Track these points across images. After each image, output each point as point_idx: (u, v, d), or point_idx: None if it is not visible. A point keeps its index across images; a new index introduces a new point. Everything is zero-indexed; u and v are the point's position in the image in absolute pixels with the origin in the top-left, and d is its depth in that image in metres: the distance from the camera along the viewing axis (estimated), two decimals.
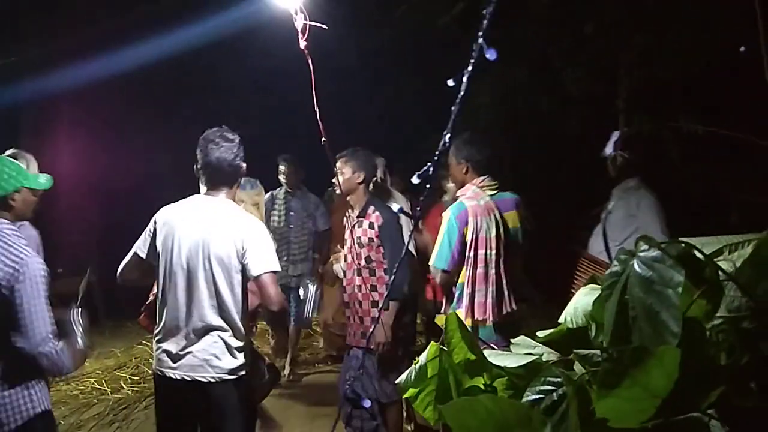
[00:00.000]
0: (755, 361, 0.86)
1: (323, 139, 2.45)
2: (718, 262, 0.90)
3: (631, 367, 0.73)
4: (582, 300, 1.14)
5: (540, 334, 1.23)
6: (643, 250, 0.81)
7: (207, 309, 2.46)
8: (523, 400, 0.93)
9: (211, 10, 6.35)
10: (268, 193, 5.12)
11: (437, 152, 1.44)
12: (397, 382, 1.25)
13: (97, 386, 5.16)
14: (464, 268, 3.07)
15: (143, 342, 6.08)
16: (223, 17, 6.22)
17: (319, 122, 2.34)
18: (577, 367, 0.98)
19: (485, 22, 1.32)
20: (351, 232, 3.57)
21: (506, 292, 3.05)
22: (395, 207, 3.36)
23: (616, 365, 0.74)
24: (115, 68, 6.58)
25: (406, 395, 1.23)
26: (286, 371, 5.34)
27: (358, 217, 3.52)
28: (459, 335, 1.18)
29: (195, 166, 2.58)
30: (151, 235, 2.57)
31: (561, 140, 6.57)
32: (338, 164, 3.51)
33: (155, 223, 2.57)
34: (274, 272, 2.49)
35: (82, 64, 6.40)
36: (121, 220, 6.36)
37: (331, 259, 3.94)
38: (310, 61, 2.24)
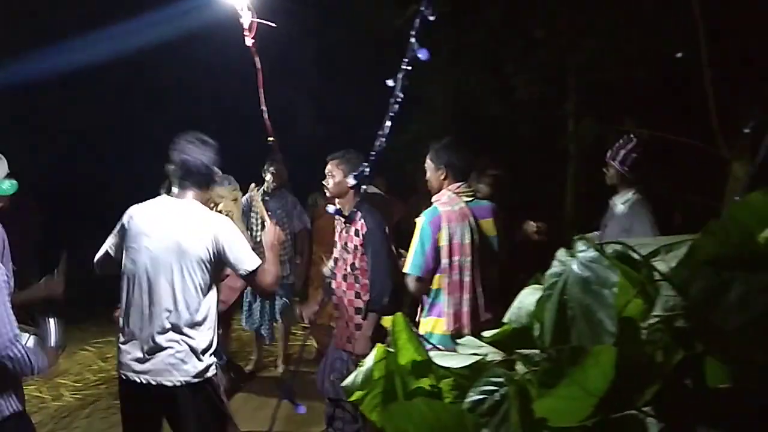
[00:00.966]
0: (689, 359, 0.88)
1: (270, 138, 2.42)
2: (654, 263, 0.92)
3: (569, 366, 0.74)
4: (526, 300, 1.15)
5: (486, 334, 1.24)
6: (582, 251, 0.82)
7: (173, 312, 2.44)
8: (466, 400, 0.93)
9: (154, 8, 6.20)
10: (245, 195, 5.05)
11: (372, 153, 1.44)
12: (343, 384, 1.24)
13: (37, 394, 4.94)
14: (440, 274, 3.04)
15: (87, 348, 5.88)
16: (167, 15, 6.09)
17: (267, 121, 2.31)
18: (520, 367, 0.99)
19: (417, 20, 1.32)
20: (340, 235, 3.56)
21: (481, 300, 3.02)
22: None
23: (555, 364, 0.75)
24: (52, 66, 6.36)
25: (352, 398, 1.22)
26: (280, 369, 5.37)
27: (345, 222, 3.50)
28: (405, 336, 1.17)
29: (167, 166, 2.56)
30: (120, 233, 2.56)
31: (512, 143, 6.68)
32: (329, 166, 3.48)
33: (124, 221, 2.55)
34: (261, 264, 2.54)
35: (20, 60, 6.16)
36: (57, 220, 6.14)
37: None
38: (257, 60, 2.21)
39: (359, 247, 3.41)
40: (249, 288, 4.71)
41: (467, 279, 3.00)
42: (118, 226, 2.58)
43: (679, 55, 4.63)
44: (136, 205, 2.60)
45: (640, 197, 3.52)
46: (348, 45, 6.93)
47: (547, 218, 4.01)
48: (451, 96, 6.66)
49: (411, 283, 3.10)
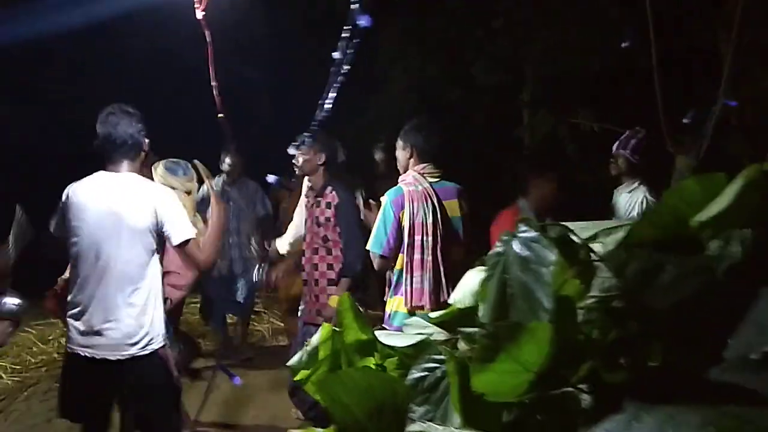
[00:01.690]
0: (623, 339, 0.91)
1: (220, 114, 2.38)
2: (592, 245, 0.95)
3: (506, 342, 0.75)
4: (470, 280, 1.17)
5: (432, 315, 1.25)
6: (523, 231, 0.84)
7: (121, 286, 2.46)
8: (409, 377, 0.94)
9: None
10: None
11: (304, 134, 1.43)
12: (288, 364, 1.23)
13: None
14: (402, 254, 3.07)
15: (27, 329, 5.67)
16: None
17: (216, 97, 2.27)
18: (462, 345, 1.00)
19: None
20: (310, 211, 3.61)
21: (443, 280, 3.04)
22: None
23: (492, 340, 0.76)
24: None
25: (297, 377, 1.22)
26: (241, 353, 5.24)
27: (316, 197, 3.57)
28: (351, 315, 1.18)
29: (95, 142, 2.54)
30: (61, 212, 2.55)
31: (468, 131, 6.75)
32: (292, 148, 3.53)
33: (64, 200, 2.54)
34: (194, 237, 2.56)
35: None
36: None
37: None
38: (207, 33, 2.15)
39: (332, 219, 3.50)
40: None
41: (428, 258, 3.02)
42: (59, 206, 2.56)
43: (624, 44, 4.75)
44: (74, 183, 2.57)
45: (645, 186, 3.76)
46: (306, 20, 6.81)
47: (501, 206, 4.07)
48: (410, 81, 6.67)
49: (374, 261, 3.16)
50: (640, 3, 4.72)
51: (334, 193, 3.51)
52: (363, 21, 1.48)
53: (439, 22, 6.41)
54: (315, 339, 1.20)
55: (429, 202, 3.05)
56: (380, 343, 1.13)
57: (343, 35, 1.47)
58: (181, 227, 2.53)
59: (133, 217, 2.46)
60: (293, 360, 1.21)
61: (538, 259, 0.80)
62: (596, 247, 0.95)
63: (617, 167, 3.91)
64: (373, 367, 1.15)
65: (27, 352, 5.27)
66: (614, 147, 3.93)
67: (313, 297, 3.59)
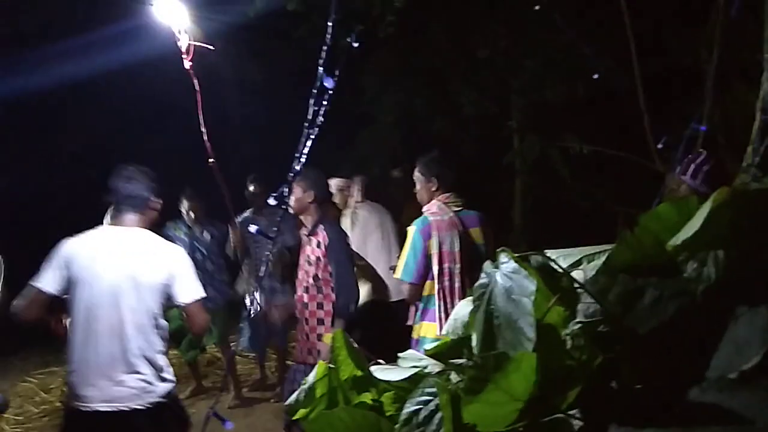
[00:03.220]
0: (608, 362, 0.93)
1: (211, 160, 2.42)
2: (575, 272, 0.98)
3: (493, 372, 0.77)
4: (461, 311, 1.19)
5: (427, 347, 1.27)
6: (504, 263, 0.87)
7: (139, 339, 2.50)
8: (403, 411, 0.96)
9: (95, 36, 6.12)
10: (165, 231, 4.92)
11: (291, 174, 1.47)
12: (286, 403, 1.25)
13: None
14: (432, 281, 3.17)
15: (28, 379, 5.64)
16: (104, 39, 6.01)
17: (207, 143, 2.32)
18: (454, 377, 1.02)
19: (324, 49, 1.37)
20: (303, 249, 3.64)
21: None
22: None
23: (480, 371, 0.78)
24: None
25: (296, 417, 1.23)
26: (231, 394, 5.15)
27: (308, 235, 3.58)
28: (345, 352, 1.19)
29: (108, 198, 2.65)
30: (61, 268, 2.51)
31: (458, 160, 6.81)
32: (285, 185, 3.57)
33: (63, 256, 2.52)
34: (202, 299, 2.65)
35: None
36: None
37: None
38: (195, 82, 2.21)
39: (322, 258, 3.48)
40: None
41: (457, 285, 3.14)
42: (55, 263, 2.53)
43: (595, 76, 4.85)
44: (73, 238, 2.59)
45: None
46: (294, 64, 6.94)
47: (497, 232, 4.11)
48: (397, 115, 6.76)
49: (404, 289, 3.27)
50: (622, 26, 4.84)
51: (324, 233, 3.49)
52: (327, 83, 1.54)
53: (424, 54, 6.53)
54: (311, 377, 1.22)
55: (455, 230, 3.18)
56: (375, 378, 1.14)
57: (323, 68, 1.53)
58: (189, 286, 2.62)
59: (147, 273, 2.52)
60: (290, 399, 1.22)
61: (519, 289, 0.83)
62: (579, 273, 0.98)
63: (676, 192, 3.76)
64: (370, 402, 1.16)
65: (29, 402, 5.22)
66: (676, 172, 3.81)
67: (304, 336, 3.57)
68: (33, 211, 7.29)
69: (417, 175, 3.40)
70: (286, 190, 1.53)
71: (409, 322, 3.38)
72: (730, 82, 4.79)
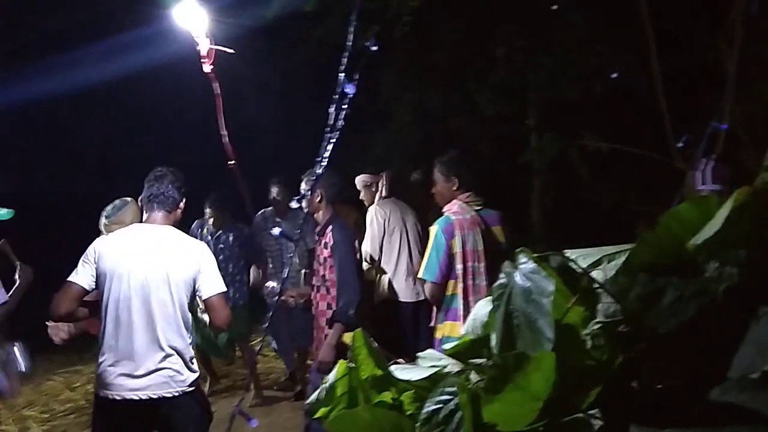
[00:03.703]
0: (630, 362, 0.93)
1: (231, 162, 2.45)
2: (594, 272, 0.98)
3: (513, 372, 0.78)
4: (480, 311, 1.20)
5: (446, 346, 1.28)
6: (523, 263, 0.87)
7: (169, 330, 2.64)
8: (423, 410, 0.97)
9: (115, 41, 6.22)
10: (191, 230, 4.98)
11: (314, 177, 1.48)
12: (306, 403, 1.26)
13: (3, 427, 4.81)
14: (455, 280, 3.18)
15: (53, 377, 5.74)
16: (125, 43, 6.10)
17: (227, 146, 2.35)
18: (473, 376, 1.03)
19: (345, 55, 1.38)
20: (316, 249, 3.69)
21: None
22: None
23: (500, 371, 0.79)
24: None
25: (316, 415, 1.24)
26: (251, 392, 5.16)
27: (318, 235, 3.62)
28: (365, 352, 1.20)
29: (141, 197, 2.80)
30: (94, 263, 2.68)
31: (476, 158, 6.79)
32: (303, 184, 3.61)
33: (97, 252, 2.69)
34: (224, 293, 2.77)
35: None
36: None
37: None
38: (216, 86, 2.24)
39: (328, 259, 3.50)
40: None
41: (481, 284, 3.14)
42: (89, 259, 2.70)
43: (614, 75, 4.80)
44: (105, 237, 2.76)
45: None
46: (311, 65, 6.98)
47: (516, 230, 4.10)
48: (414, 114, 6.76)
49: (427, 289, 3.28)
50: (641, 23, 4.79)
51: (331, 234, 3.50)
52: (349, 89, 1.55)
53: (440, 53, 6.52)
54: (331, 376, 1.23)
55: (478, 229, 3.19)
56: (395, 377, 1.15)
57: (344, 73, 1.54)
58: (213, 281, 2.73)
59: (178, 268, 2.65)
60: (311, 398, 1.23)
61: (538, 289, 0.83)
62: (598, 273, 0.98)
63: (696, 191, 3.74)
64: (390, 401, 1.17)
65: (55, 400, 5.31)
66: (698, 186, 3.78)
67: (320, 334, 3.59)
68: (57, 214, 7.43)
69: (437, 174, 3.41)
70: (309, 193, 1.55)
71: (432, 324, 3.39)
72: (751, 79, 4.72)
